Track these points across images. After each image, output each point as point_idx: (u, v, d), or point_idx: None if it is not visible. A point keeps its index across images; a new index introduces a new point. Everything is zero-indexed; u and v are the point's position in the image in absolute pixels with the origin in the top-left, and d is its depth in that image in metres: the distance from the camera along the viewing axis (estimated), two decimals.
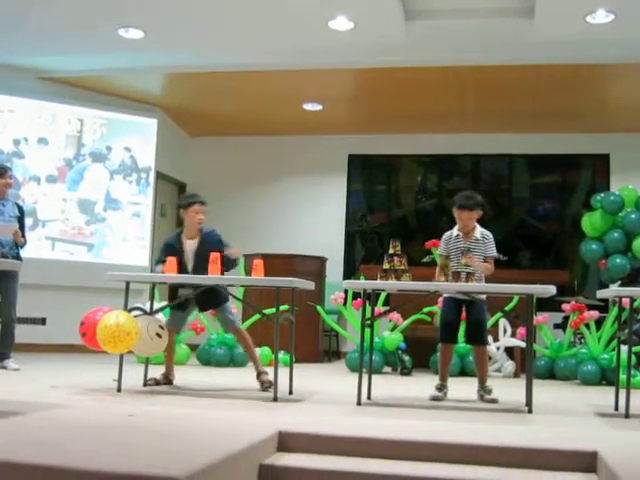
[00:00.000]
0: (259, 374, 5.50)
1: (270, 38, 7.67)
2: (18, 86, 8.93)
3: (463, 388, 5.66)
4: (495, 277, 5.38)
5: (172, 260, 5.29)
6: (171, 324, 5.67)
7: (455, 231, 5.41)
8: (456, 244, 5.35)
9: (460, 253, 5.29)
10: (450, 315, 5.41)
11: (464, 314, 5.47)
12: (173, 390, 5.38)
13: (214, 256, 5.23)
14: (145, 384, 5.50)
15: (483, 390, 5.31)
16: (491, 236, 5.38)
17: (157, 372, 5.76)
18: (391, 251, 5.18)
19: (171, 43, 7.96)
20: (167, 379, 5.65)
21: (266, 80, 8.73)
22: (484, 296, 5.32)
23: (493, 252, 5.35)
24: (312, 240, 10.33)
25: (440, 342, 5.49)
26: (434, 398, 5.25)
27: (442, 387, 5.36)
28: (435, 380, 5.41)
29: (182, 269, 5.46)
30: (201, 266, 5.38)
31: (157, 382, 5.58)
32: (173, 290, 5.72)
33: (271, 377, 5.20)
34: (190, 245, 5.60)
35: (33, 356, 7.71)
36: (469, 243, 5.32)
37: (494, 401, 5.19)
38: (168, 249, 5.60)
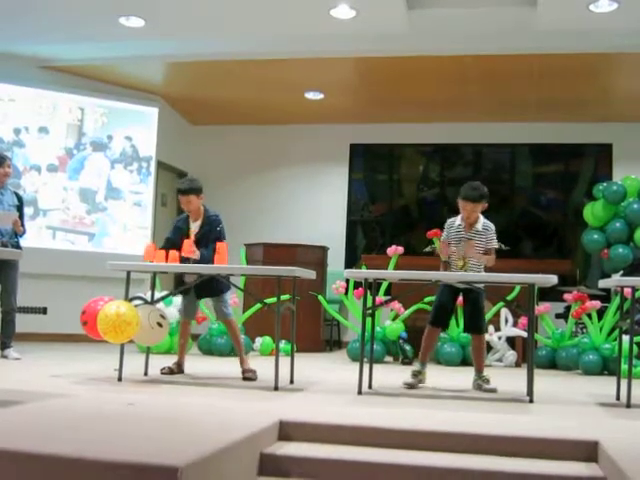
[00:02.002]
0: (245, 371, 5.49)
1: (272, 26, 7.64)
2: (19, 75, 8.90)
3: (464, 378, 5.65)
4: (497, 267, 5.37)
5: (173, 254, 5.31)
6: (183, 315, 5.75)
7: (458, 220, 5.39)
8: (457, 233, 5.34)
9: (460, 242, 5.29)
10: (445, 299, 5.36)
11: (461, 301, 5.47)
12: (174, 379, 5.37)
13: (220, 246, 5.25)
14: (160, 372, 5.55)
15: (481, 379, 5.28)
16: (493, 228, 5.36)
17: (158, 361, 5.76)
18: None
19: (172, 31, 7.94)
20: (180, 368, 5.69)
21: (268, 69, 8.70)
22: (482, 284, 5.31)
23: (494, 243, 5.34)
24: (313, 229, 10.32)
25: (429, 324, 5.40)
26: (407, 385, 5.22)
27: (418, 373, 5.30)
28: (436, 370, 5.43)
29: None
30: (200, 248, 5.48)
31: (171, 371, 5.61)
32: (179, 277, 5.74)
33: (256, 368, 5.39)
34: (194, 227, 5.64)
35: (34, 345, 7.71)
36: (470, 234, 5.30)
37: (493, 390, 5.17)
38: (176, 231, 5.68)
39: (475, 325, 5.36)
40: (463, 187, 5.35)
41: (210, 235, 5.53)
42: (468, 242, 5.23)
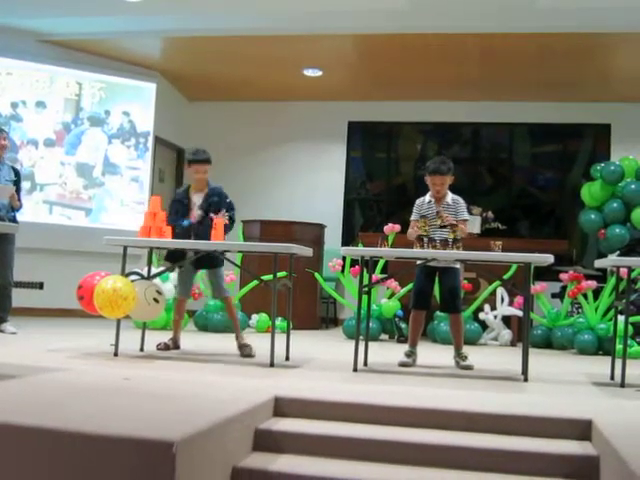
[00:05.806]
0: (241, 346, 5.51)
1: (270, 2, 7.58)
2: (16, 48, 8.83)
3: None
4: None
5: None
6: (179, 292, 5.77)
7: (427, 197, 5.42)
8: (428, 210, 5.36)
9: (434, 218, 5.31)
10: (423, 282, 5.38)
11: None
12: (170, 355, 5.38)
13: (218, 222, 5.24)
14: (156, 348, 5.56)
15: (459, 357, 5.33)
16: (462, 201, 5.42)
17: (154, 337, 5.77)
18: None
19: (171, 7, 7.87)
20: (176, 344, 5.70)
21: (266, 45, 8.65)
22: (459, 263, 5.33)
23: (464, 215, 5.38)
24: (311, 207, 10.31)
25: (412, 309, 5.45)
26: (402, 364, 5.25)
27: (411, 353, 5.35)
28: (432, 348, 5.44)
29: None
30: (204, 220, 5.50)
31: (167, 346, 5.62)
32: (171, 253, 5.69)
33: (252, 344, 5.45)
34: (196, 198, 5.64)
35: (30, 320, 7.71)
36: (441, 208, 5.33)
37: (469, 367, 5.21)
38: (176, 206, 5.68)
39: (453, 304, 5.37)
40: (429, 163, 5.42)
41: (221, 205, 5.51)
42: (439, 215, 5.27)
